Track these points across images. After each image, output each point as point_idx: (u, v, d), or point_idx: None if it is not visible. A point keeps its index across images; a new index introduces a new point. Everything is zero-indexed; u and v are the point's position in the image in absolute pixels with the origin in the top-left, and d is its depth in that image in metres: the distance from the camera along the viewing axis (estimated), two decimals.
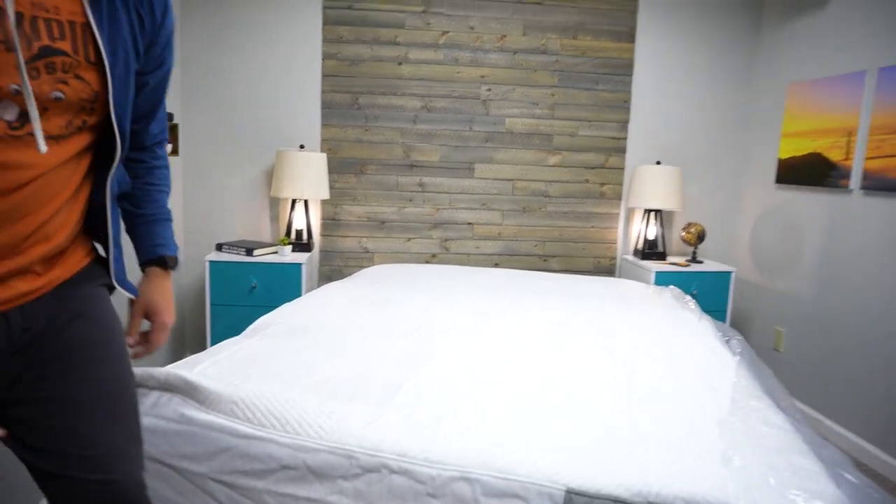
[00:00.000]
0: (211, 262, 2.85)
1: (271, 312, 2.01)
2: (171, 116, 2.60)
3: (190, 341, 3.31)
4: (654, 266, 3.16)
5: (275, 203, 3.27)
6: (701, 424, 1.32)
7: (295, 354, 1.61)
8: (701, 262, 3.31)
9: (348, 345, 1.72)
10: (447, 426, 1.23)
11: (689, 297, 2.51)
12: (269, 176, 3.23)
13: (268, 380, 1.41)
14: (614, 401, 1.42)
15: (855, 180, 2.68)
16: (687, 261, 3.30)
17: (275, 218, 3.28)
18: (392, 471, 1.14)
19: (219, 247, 3.02)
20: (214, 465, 1.20)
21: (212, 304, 2.88)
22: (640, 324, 2.09)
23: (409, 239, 3.35)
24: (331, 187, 3.24)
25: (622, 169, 3.43)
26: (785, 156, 3.15)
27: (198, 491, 1.21)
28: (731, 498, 1.05)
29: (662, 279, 3.12)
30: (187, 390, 1.29)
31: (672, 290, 2.64)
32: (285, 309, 2.05)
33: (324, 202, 3.28)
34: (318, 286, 3.32)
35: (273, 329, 1.83)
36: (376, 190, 3.30)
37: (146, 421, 1.28)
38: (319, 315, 1.97)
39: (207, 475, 1.21)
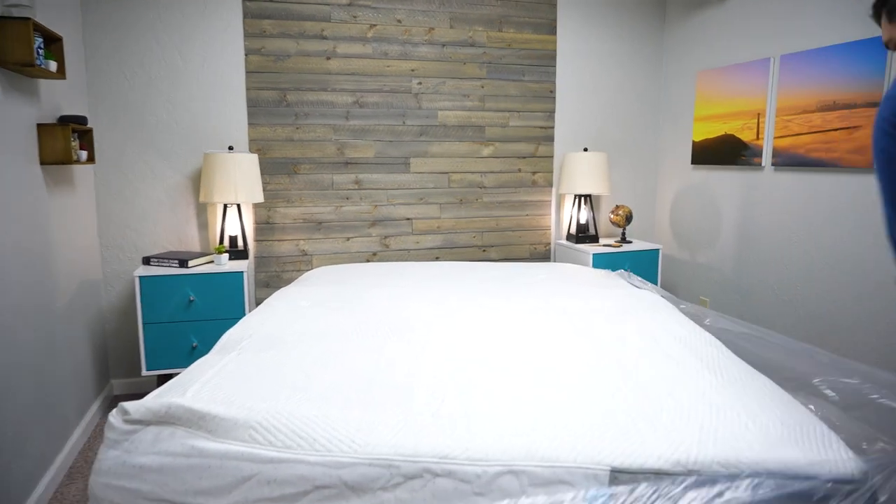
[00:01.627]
0: (141, 277, 2.63)
1: (236, 326, 1.89)
2: (83, 120, 2.35)
3: (115, 366, 3.04)
4: (590, 249, 3.29)
5: (202, 210, 3.06)
6: (704, 390, 1.39)
7: (284, 367, 1.52)
8: (630, 242, 3.48)
9: (335, 351, 1.65)
10: (475, 421, 1.22)
11: (635, 276, 2.64)
12: (195, 181, 3.02)
13: (273, 396, 1.32)
14: (619, 379, 1.46)
15: (766, 158, 2.93)
16: (618, 241, 3.47)
17: (203, 225, 3.07)
18: (435, 475, 1.11)
19: (146, 260, 2.79)
20: (237, 497, 1.12)
21: (144, 323, 2.66)
22: (608, 303, 2.16)
23: (349, 238, 3.27)
24: (263, 189, 3.09)
25: (551, 157, 3.54)
26: (699, 138, 3.38)
27: None
28: (760, 454, 1.12)
29: (599, 261, 3.25)
30: (193, 420, 1.18)
31: (620, 273, 2.76)
32: (251, 320, 1.93)
33: (256, 206, 3.12)
34: (256, 294, 3.16)
35: (247, 343, 1.72)
36: (311, 190, 3.18)
37: (147, 460, 1.16)
38: (292, 324, 1.88)
39: None
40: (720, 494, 1.07)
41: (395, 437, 1.16)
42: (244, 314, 2.76)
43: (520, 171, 3.49)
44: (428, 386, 1.40)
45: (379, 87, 3.20)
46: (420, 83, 3.26)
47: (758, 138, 2.97)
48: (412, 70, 3.24)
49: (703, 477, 1.09)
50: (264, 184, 3.11)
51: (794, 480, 1.08)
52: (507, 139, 3.44)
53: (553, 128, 3.51)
